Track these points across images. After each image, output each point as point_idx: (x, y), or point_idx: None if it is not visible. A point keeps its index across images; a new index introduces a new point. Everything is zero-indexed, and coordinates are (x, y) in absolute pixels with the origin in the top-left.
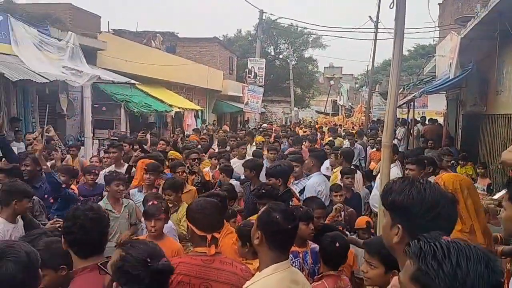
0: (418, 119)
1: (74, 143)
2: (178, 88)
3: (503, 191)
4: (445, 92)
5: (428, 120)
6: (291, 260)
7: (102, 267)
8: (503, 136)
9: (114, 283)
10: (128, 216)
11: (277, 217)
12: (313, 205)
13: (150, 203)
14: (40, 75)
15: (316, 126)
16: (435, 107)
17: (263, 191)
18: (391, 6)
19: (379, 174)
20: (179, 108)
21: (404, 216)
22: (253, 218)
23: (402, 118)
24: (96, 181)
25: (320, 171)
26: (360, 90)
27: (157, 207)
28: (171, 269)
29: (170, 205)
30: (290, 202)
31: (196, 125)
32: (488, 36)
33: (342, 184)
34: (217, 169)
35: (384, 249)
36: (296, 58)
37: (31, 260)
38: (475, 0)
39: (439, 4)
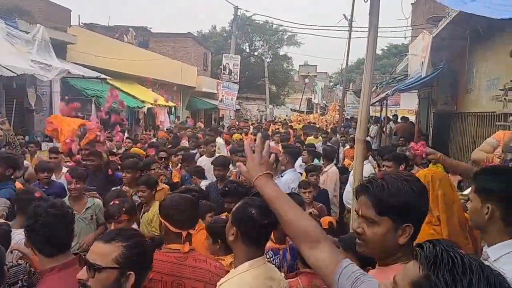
0: (391, 117)
1: (33, 139)
2: (150, 84)
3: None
4: (417, 91)
5: (400, 118)
6: (272, 257)
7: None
8: (473, 134)
9: None
10: (92, 217)
11: (253, 212)
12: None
13: (111, 204)
14: (7, 69)
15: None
16: (407, 105)
17: (227, 189)
18: (365, 0)
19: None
20: (151, 104)
21: (413, 214)
22: (223, 216)
23: (375, 116)
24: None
25: (294, 167)
26: (334, 88)
27: (118, 208)
28: None
29: (144, 203)
30: None
31: (169, 122)
32: (459, 35)
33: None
34: (178, 166)
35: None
36: (271, 56)
37: None
38: None
39: (411, 3)
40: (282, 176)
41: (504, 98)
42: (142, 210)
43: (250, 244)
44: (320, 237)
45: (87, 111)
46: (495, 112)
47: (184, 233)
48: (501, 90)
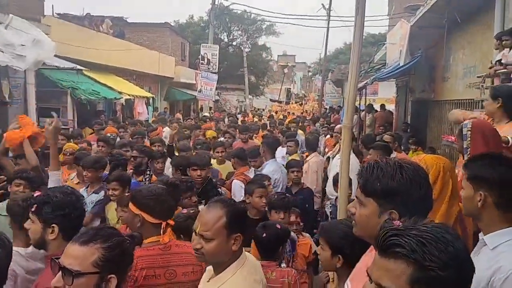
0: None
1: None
2: (128, 75)
3: None
4: (394, 80)
5: (380, 106)
6: None
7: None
8: (450, 122)
9: None
10: None
11: None
12: (253, 186)
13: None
14: None
15: (269, 114)
16: (385, 94)
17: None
18: None
19: (334, 159)
20: (129, 95)
21: (399, 200)
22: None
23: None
24: None
25: (275, 158)
26: (313, 78)
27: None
28: None
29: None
30: (220, 190)
31: (148, 113)
32: (437, 24)
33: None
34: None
35: (332, 233)
36: (250, 46)
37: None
38: None
39: None
40: (264, 167)
41: (482, 86)
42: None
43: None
44: None
45: (63, 103)
46: (473, 99)
47: (164, 224)
48: (478, 77)
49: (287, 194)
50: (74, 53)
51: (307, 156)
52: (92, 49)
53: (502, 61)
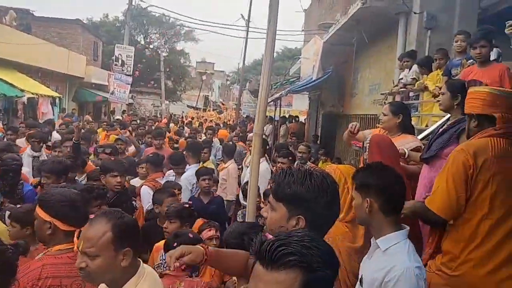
0: (277, 118)
1: None
2: (32, 72)
3: None
4: (307, 93)
5: (293, 118)
6: None
7: None
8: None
9: None
10: None
11: None
12: (163, 195)
13: None
14: None
15: (188, 120)
16: (299, 106)
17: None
18: None
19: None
20: (32, 93)
21: (307, 206)
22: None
23: (269, 116)
24: None
25: (198, 163)
26: (231, 87)
27: None
28: None
29: None
30: (134, 203)
31: (53, 114)
32: (347, 42)
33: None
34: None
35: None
36: (168, 50)
37: None
38: (335, 10)
39: (304, 10)
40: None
41: (384, 102)
42: None
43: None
44: None
45: None
46: (376, 114)
47: (77, 232)
48: (381, 94)
49: (187, 204)
50: None
51: (224, 163)
52: None
53: (402, 81)
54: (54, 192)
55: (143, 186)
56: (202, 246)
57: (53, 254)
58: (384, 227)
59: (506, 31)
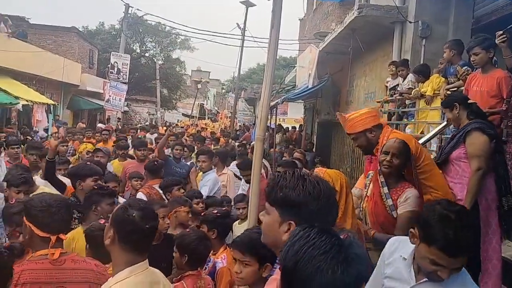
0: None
1: None
2: (27, 79)
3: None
4: (303, 101)
5: (291, 127)
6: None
7: None
8: (350, 143)
9: None
10: None
11: (134, 214)
12: (157, 205)
13: None
14: None
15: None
16: (294, 114)
17: None
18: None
19: None
20: (27, 101)
21: (298, 212)
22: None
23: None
24: None
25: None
26: (226, 95)
27: None
28: None
29: None
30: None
31: (48, 121)
32: (343, 51)
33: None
34: None
35: (257, 245)
36: (163, 58)
37: None
38: (330, 19)
39: (299, 19)
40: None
41: (380, 110)
42: None
43: (129, 249)
44: None
45: None
46: None
47: (53, 238)
48: (377, 102)
49: None
50: None
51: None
52: None
53: (398, 89)
54: (35, 197)
55: (138, 193)
56: None
57: (35, 260)
58: None
59: (497, 41)
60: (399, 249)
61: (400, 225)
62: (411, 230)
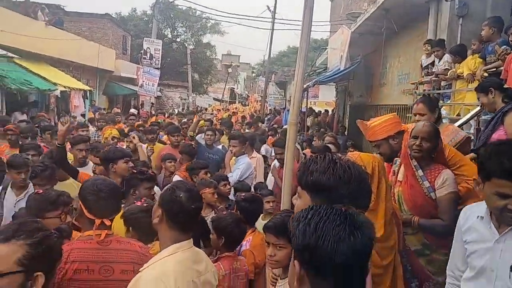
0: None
1: None
2: (64, 66)
3: None
4: (334, 84)
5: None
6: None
7: None
8: None
9: None
10: None
11: (181, 195)
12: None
13: None
14: None
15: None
16: (325, 98)
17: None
18: None
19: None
20: (64, 87)
21: (328, 195)
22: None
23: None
24: None
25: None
26: (256, 79)
27: None
28: None
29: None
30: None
31: (85, 107)
32: (376, 32)
33: None
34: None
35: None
36: (194, 43)
37: None
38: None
39: (330, 0)
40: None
41: (415, 92)
42: None
43: (176, 228)
44: None
45: None
46: (406, 104)
47: (97, 221)
48: (412, 84)
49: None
50: (3, 39)
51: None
52: (26, 36)
53: (434, 70)
54: (91, 179)
55: (175, 175)
56: None
57: (83, 239)
58: None
59: None
60: (473, 214)
61: (444, 207)
62: (475, 178)
